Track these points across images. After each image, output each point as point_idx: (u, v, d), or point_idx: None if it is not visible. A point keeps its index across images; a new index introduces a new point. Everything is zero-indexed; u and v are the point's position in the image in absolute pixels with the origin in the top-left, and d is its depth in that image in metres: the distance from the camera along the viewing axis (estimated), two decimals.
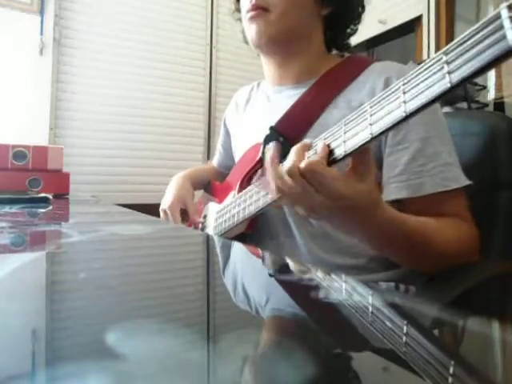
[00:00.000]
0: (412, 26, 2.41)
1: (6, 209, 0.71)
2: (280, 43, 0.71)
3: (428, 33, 2.31)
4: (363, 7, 0.76)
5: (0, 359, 0.15)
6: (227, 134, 0.95)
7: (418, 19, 2.37)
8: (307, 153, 0.46)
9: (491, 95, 2.07)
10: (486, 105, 2.02)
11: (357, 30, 0.78)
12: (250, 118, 0.84)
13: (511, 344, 0.20)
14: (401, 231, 0.52)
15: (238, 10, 0.78)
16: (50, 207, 0.80)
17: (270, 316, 0.23)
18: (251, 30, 0.70)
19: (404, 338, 0.19)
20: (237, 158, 0.84)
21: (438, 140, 0.59)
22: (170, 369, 0.14)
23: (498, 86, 2.03)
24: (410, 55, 2.35)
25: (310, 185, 0.44)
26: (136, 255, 0.39)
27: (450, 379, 0.15)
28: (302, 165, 0.44)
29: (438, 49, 2.29)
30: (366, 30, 2.39)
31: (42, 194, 0.94)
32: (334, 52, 0.78)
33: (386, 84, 0.62)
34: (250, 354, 0.17)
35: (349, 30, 0.76)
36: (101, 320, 0.20)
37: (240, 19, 0.78)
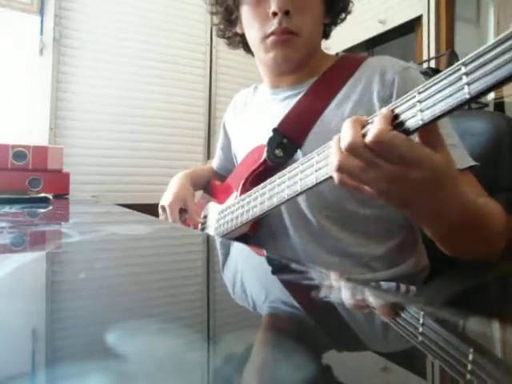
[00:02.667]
0: (412, 26, 2.41)
1: (6, 209, 0.71)
2: (302, 65, 0.71)
3: (428, 33, 2.31)
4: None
5: (0, 359, 0.15)
6: (226, 137, 0.96)
7: (418, 19, 2.36)
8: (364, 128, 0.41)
9: (491, 95, 2.06)
10: (486, 105, 2.02)
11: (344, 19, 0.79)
12: (249, 120, 0.84)
13: (510, 344, 0.20)
14: (472, 211, 0.47)
15: (230, 22, 0.77)
16: (50, 207, 0.80)
17: (271, 316, 0.23)
18: (275, 54, 0.68)
19: (402, 338, 0.19)
20: (238, 160, 0.84)
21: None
22: (169, 369, 0.14)
23: None
24: (410, 55, 2.34)
25: (379, 157, 0.39)
26: (136, 255, 0.39)
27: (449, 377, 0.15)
28: (368, 138, 0.38)
29: (438, 49, 2.29)
30: (366, 30, 2.39)
31: (42, 194, 0.94)
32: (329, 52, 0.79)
33: (382, 75, 0.63)
34: (250, 354, 0.17)
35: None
36: (101, 320, 0.20)
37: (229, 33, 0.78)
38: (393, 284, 0.62)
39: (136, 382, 0.13)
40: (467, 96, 0.33)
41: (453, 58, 2.03)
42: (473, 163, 0.57)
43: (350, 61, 0.72)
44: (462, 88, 0.34)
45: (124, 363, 0.14)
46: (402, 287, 0.61)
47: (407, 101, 0.39)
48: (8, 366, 0.15)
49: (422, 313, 0.23)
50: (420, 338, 0.19)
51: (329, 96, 0.68)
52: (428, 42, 2.30)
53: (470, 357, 0.17)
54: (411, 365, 0.17)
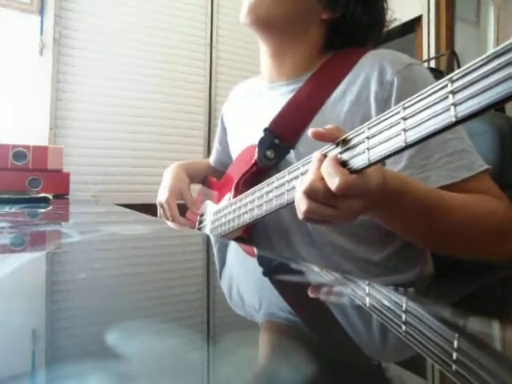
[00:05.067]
0: (412, 26, 2.41)
1: (6, 209, 0.71)
2: (267, 28, 0.69)
3: (428, 33, 2.31)
4: (381, 10, 0.74)
5: (0, 359, 0.15)
6: (224, 130, 0.94)
7: (418, 19, 2.37)
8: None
9: None
10: None
11: (376, 35, 0.76)
12: (245, 114, 0.82)
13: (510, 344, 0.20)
14: (429, 203, 0.51)
15: None
16: (50, 207, 0.80)
17: (270, 317, 0.23)
18: (244, 3, 0.68)
19: (402, 339, 0.19)
20: (234, 155, 0.83)
21: None
22: (170, 369, 0.14)
23: None
24: (410, 55, 2.34)
25: (338, 198, 0.42)
26: (136, 255, 0.39)
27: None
28: (332, 188, 0.41)
29: (437, 49, 2.29)
30: None
31: (42, 194, 0.94)
32: None
33: (381, 74, 0.60)
34: (250, 354, 0.17)
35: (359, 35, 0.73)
36: (101, 320, 0.20)
37: None
38: (390, 288, 0.61)
39: (136, 382, 0.13)
40: (453, 119, 0.30)
41: (452, 58, 2.03)
42: (483, 168, 0.55)
43: (349, 54, 0.68)
44: (448, 109, 0.30)
45: (124, 363, 0.14)
46: (400, 290, 0.60)
47: (386, 119, 0.37)
48: (8, 365, 0.15)
49: (426, 313, 0.23)
50: (423, 336, 0.19)
51: (325, 93, 0.65)
52: (428, 42, 2.30)
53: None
54: (413, 366, 0.17)
